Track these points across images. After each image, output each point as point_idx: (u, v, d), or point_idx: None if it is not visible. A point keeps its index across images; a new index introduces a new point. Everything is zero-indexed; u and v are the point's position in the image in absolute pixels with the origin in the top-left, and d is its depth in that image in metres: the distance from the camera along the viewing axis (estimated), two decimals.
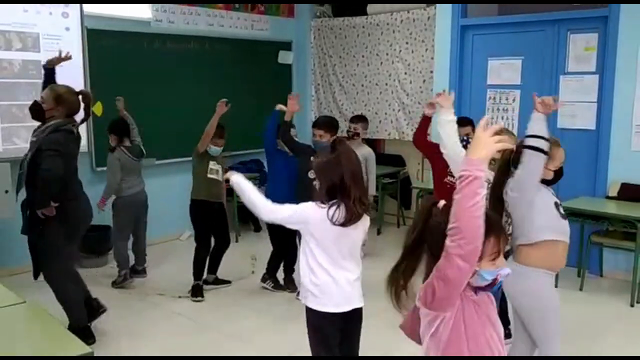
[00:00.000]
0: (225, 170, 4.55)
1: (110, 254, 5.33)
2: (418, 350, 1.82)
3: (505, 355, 1.79)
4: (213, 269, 4.71)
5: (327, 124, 4.31)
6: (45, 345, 2.04)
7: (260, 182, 6.41)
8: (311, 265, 2.52)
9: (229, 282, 4.80)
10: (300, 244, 2.70)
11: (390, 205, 6.90)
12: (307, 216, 2.48)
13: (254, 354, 3.61)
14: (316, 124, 4.37)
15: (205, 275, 4.62)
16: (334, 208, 2.44)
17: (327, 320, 2.55)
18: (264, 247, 5.29)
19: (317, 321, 2.57)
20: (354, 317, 2.61)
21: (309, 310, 2.59)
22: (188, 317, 4.18)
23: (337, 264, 2.52)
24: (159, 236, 5.87)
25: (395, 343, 3.61)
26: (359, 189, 2.48)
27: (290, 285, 4.66)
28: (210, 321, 4.12)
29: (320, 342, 2.59)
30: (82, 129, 5.12)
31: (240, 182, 2.59)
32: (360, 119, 5.36)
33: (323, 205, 2.46)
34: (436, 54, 5.97)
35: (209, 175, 4.48)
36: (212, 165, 4.49)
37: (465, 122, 4.42)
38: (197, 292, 4.50)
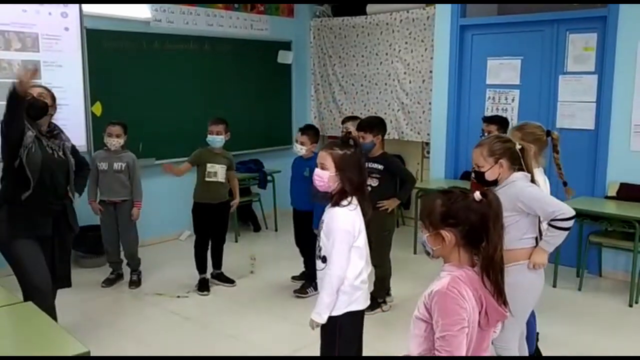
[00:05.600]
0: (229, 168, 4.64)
1: None
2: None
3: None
4: (216, 264, 4.81)
5: (368, 125, 4.15)
6: (42, 345, 2.04)
7: (260, 182, 6.42)
8: (353, 268, 2.49)
9: (233, 281, 4.80)
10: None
11: None
12: (353, 223, 2.45)
13: (253, 353, 3.60)
14: (359, 126, 4.25)
15: (210, 270, 4.77)
16: (359, 203, 2.47)
17: (358, 319, 2.57)
18: (263, 247, 5.31)
19: (351, 323, 2.54)
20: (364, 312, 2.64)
21: (347, 315, 2.50)
22: (187, 317, 4.18)
23: (367, 259, 2.54)
24: (158, 236, 5.87)
25: (394, 340, 3.62)
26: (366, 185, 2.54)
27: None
28: (210, 321, 4.12)
29: (353, 345, 2.58)
30: (82, 128, 5.20)
31: (326, 313, 2.46)
32: (352, 119, 5.34)
33: (352, 207, 2.45)
34: (435, 54, 5.97)
35: (206, 179, 4.57)
36: (209, 168, 4.57)
37: (490, 120, 4.69)
38: (201, 286, 4.65)
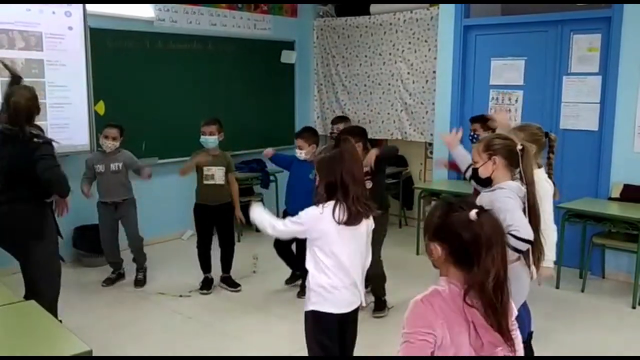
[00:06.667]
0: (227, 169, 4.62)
1: None
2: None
3: None
4: (225, 268, 4.77)
5: (350, 132, 4.25)
6: (44, 344, 2.04)
7: (262, 182, 6.42)
8: (320, 267, 2.50)
9: (238, 286, 4.73)
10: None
11: (392, 206, 6.87)
12: (311, 221, 2.48)
13: (253, 353, 3.61)
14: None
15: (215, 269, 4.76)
16: (337, 207, 2.43)
17: (326, 322, 2.54)
18: (265, 247, 5.28)
19: (316, 323, 2.55)
20: (350, 318, 2.61)
21: (310, 313, 2.56)
22: (189, 317, 4.18)
23: (343, 266, 2.50)
24: (161, 235, 5.88)
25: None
26: (358, 187, 2.47)
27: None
28: (211, 320, 4.12)
29: (318, 343, 2.58)
30: (85, 128, 5.20)
31: (257, 219, 2.63)
32: (342, 119, 5.35)
33: (326, 205, 2.45)
34: (439, 54, 5.96)
35: (205, 182, 4.56)
36: (206, 171, 4.55)
37: (474, 120, 4.83)
38: (204, 285, 4.66)
